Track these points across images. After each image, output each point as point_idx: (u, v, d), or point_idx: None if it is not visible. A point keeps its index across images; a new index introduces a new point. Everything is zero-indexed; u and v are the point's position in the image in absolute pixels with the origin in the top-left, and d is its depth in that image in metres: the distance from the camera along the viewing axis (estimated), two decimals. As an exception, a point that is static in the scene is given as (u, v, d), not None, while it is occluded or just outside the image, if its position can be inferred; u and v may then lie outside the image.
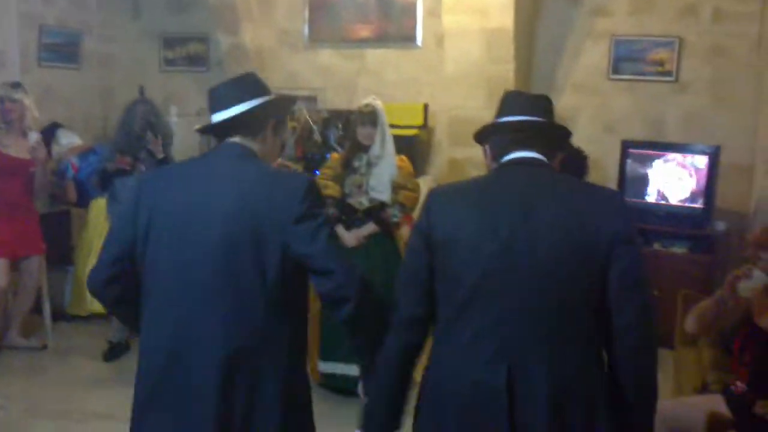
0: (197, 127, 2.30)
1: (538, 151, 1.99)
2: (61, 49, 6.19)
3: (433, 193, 2.09)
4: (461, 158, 5.93)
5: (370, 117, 4.22)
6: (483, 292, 1.85)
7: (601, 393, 1.86)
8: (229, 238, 1.96)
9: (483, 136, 2.14)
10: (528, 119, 2.01)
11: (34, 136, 4.70)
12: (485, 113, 5.77)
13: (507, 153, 2.01)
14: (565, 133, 2.12)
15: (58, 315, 5.17)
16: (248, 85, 2.17)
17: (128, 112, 4.87)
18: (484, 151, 2.15)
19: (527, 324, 1.82)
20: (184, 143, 5.72)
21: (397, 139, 4.61)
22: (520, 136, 2.01)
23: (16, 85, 4.71)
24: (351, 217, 4.29)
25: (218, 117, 2.12)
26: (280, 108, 2.27)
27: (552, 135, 2.08)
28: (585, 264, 1.82)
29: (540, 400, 1.80)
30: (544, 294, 1.82)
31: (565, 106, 5.95)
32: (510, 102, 2.08)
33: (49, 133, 5.28)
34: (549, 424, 1.79)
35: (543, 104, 2.09)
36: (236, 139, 2.12)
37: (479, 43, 5.61)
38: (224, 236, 1.96)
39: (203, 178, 2.08)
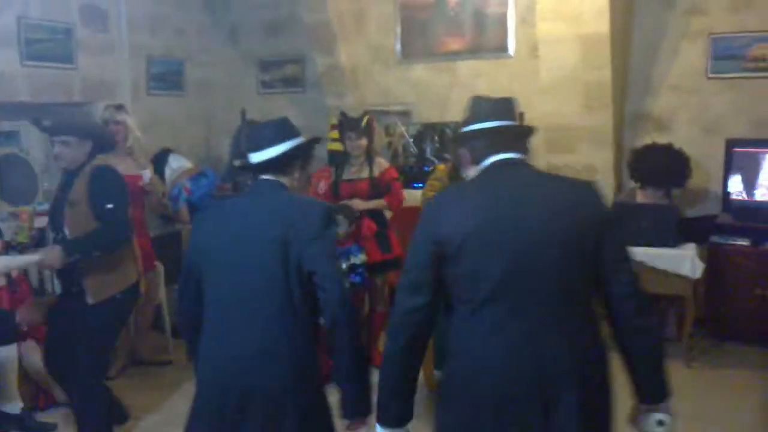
0: (236, 163, 2.56)
1: (517, 152, 2.17)
2: (167, 78, 6.51)
3: (436, 201, 2.28)
4: (559, 164, 5.94)
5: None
6: (502, 286, 2.00)
7: (608, 368, 2.09)
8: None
9: (460, 141, 2.31)
10: (503, 124, 2.19)
11: (148, 174, 4.94)
12: (583, 119, 5.80)
13: (488, 156, 2.17)
14: (530, 131, 2.31)
15: (175, 331, 5.41)
16: (282, 128, 2.54)
17: (235, 138, 5.06)
18: (460, 155, 2.32)
19: (545, 310, 2.00)
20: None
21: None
22: (499, 139, 2.17)
23: (120, 107, 5.00)
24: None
25: (257, 158, 2.50)
26: (307, 149, 2.62)
27: (523, 134, 2.26)
28: (583, 248, 2.02)
29: (566, 377, 1.98)
30: (555, 279, 2.00)
31: (662, 107, 5.90)
32: (481, 108, 2.23)
33: (161, 158, 5.53)
34: (578, 399, 1.98)
35: (510, 107, 2.25)
36: (269, 176, 2.49)
37: (575, 50, 5.62)
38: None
39: (250, 212, 2.49)
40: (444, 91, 6.48)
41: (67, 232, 3.39)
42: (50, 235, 3.53)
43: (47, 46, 5.38)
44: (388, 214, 5.03)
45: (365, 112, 5.00)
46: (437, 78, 6.52)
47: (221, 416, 2.34)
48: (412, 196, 5.27)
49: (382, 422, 2.17)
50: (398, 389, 2.15)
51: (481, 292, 2.02)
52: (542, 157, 6.08)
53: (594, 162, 5.86)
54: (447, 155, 4.66)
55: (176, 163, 5.76)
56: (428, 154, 6.11)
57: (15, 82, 5.18)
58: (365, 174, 4.86)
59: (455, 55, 6.45)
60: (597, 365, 2.07)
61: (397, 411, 2.16)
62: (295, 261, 2.32)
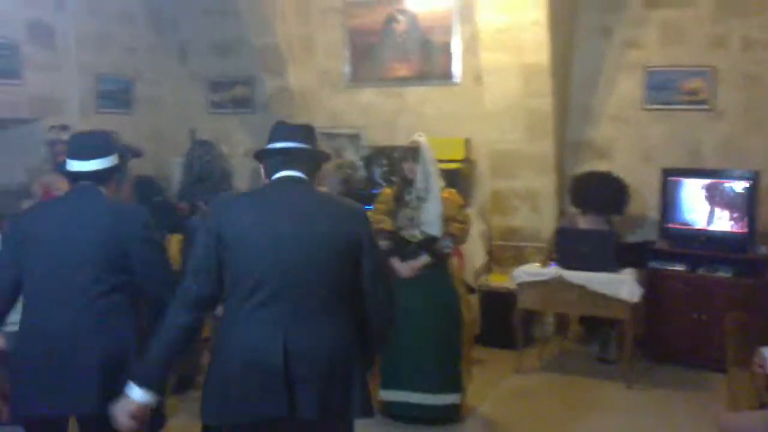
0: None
1: (299, 170, 2.49)
2: (116, 96, 6.48)
3: (220, 203, 2.67)
4: (504, 189, 6.11)
5: (412, 152, 4.42)
6: (266, 281, 2.33)
7: (357, 354, 2.43)
8: None
9: (259, 157, 2.60)
10: (290, 146, 2.51)
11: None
12: (525, 145, 5.99)
13: (276, 172, 2.50)
14: (321, 155, 2.68)
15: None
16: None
17: (187, 158, 5.06)
18: (262, 169, 2.61)
19: (302, 302, 2.34)
20: (235, 181, 5.93)
21: (441, 173, 4.79)
22: (286, 158, 2.50)
23: (64, 127, 5.03)
24: (405, 249, 4.45)
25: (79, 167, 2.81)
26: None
27: (311, 157, 2.57)
28: (342, 258, 2.40)
29: (312, 359, 2.31)
30: (314, 279, 2.36)
31: (602, 136, 6.13)
32: (277, 131, 2.57)
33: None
34: (319, 377, 2.31)
35: (303, 132, 2.58)
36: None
37: (517, 79, 5.80)
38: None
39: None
40: (392, 115, 6.61)
41: None
42: None
43: (-7, 62, 5.33)
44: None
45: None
46: (386, 102, 6.65)
47: None
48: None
49: (143, 384, 2.38)
50: (167, 361, 2.42)
51: (244, 285, 2.35)
52: (487, 181, 6.27)
53: (536, 187, 6.05)
54: (393, 178, 4.73)
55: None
56: (377, 177, 6.21)
57: (-41, 98, 5.12)
58: None
59: (403, 81, 6.59)
60: (339, 358, 2.37)
61: (160, 377, 2.42)
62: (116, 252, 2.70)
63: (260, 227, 2.38)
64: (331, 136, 6.79)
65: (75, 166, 2.81)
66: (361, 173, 6.35)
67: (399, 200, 4.50)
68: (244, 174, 6.88)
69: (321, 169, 2.65)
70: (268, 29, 6.45)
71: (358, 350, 2.44)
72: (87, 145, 2.85)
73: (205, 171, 4.94)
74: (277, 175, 2.49)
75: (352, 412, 2.40)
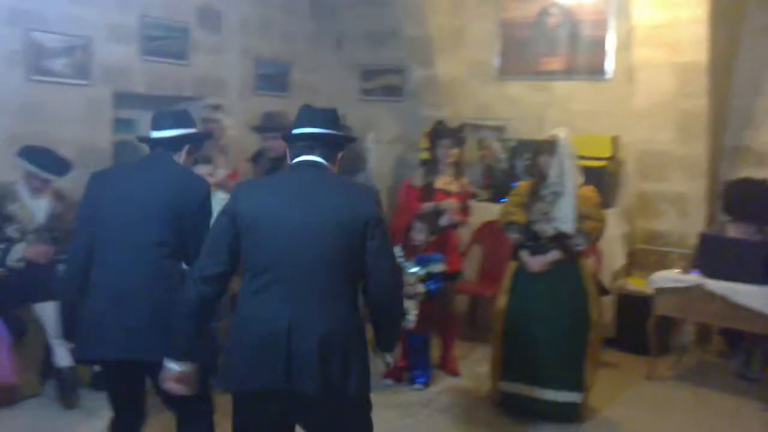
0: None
1: (318, 155, 2.62)
2: (273, 79, 6.82)
3: (240, 186, 2.72)
4: (651, 191, 5.91)
5: (548, 146, 4.37)
6: (279, 259, 2.48)
7: (357, 335, 2.54)
8: None
9: (287, 141, 2.74)
10: (310, 131, 2.64)
11: (222, 173, 5.20)
12: (676, 147, 5.75)
13: (298, 156, 2.65)
14: (343, 138, 2.77)
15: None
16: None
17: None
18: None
19: (308, 282, 2.47)
20: (380, 167, 6.14)
21: (585, 170, 4.69)
22: (306, 143, 2.64)
23: (216, 107, 5.38)
24: (536, 243, 4.42)
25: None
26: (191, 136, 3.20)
27: (331, 142, 2.68)
28: (349, 239, 2.49)
29: (313, 336, 2.43)
30: (320, 260, 2.47)
31: (764, 142, 5.76)
32: (301, 116, 2.71)
33: (259, 155, 5.82)
34: (318, 353, 2.43)
35: (328, 116, 2.70)
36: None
37: (671, 77, 5.60)
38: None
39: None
40: (540, 109, 6.52)
41: None
42: None
43: (164, 43, 5.76)
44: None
45: (462, 124, 5.11)
46: (534, 96, 6.57)
47: None
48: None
49: (173, 357, 2.61)
50: (190, 333, 2.59)
51: (259, 262, 2.50)
52: (633, 182, 6.06)
53: (686, 191, 5.79)
54: (534, 171, 4.69)
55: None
56: (518, 170, 6.16)
57: (133, 75, 5.58)
58: (455, 187, 5.01)
59: (553, 75, 6.48)
60: (340, 336, 2.49)
61: (186, 348, 2.60)
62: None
63: (272, 211, 2.51)
64: (476, 128, 6.83)
65: (152, 135, 3.13)
66: (504, 165, 6.33)
67: (534, 194, 4.46)
68: (389, 160, 7.07)
69: (343, 152, 2.77)
70: (421, 20, 6.55)
71: (357, 327, 2.56)
72: (163, 118, 3.14)
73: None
74: (297, 159, 2.65)
75: (349, 390, 2.49)
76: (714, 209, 5.78)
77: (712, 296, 4.83)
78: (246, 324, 2.51)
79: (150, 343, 2.80)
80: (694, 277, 4.93)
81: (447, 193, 4.98)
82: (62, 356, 4.32)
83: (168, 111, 3.29)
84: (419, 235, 4.75)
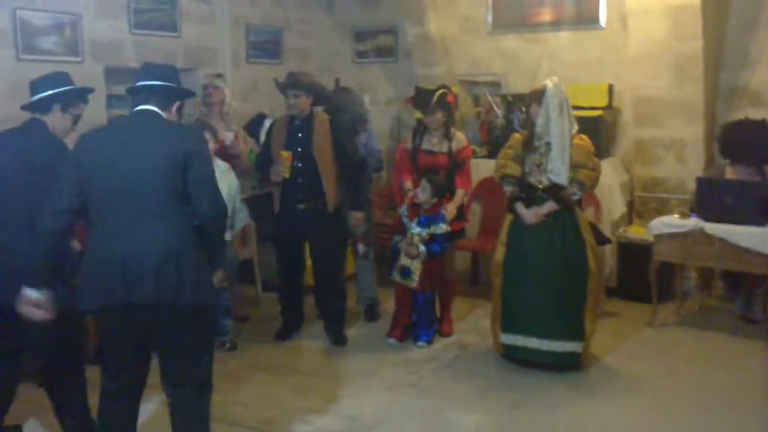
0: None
1: (153, 104, 3.00)
2: (265, 47, 6.80)
3: (83, 135, 3.05)
4: (648, 138, 5.87)
5: (537, 96, 4.35)
6: (109, 196, 2.85)
7: (190, 251, 2.88)
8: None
9: (130, 94, 3.12)
10: (146, 84, 3.03)
11: (230, 136, 5.30)
12: (673, 92, 5.70)
13: (136, 105, 3.03)
14: (174, 91, 3.10)
15: (268, 286, 5.79)
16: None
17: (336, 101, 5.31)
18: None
19: (138, 211, 2.83)
20: (378, 128, 6.15)
21: (582, 120, 4.69)
22: (144, 95, 3.03)
23: (219, 76, 5.47)
24: (531, 195, 4.43)
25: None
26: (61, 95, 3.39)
27: (165, 93, 3.05)
28: (170, 172, 2.83)
29: (146, 255, 2.79)
30: (148, 193, 2.83)
31: (760, 82, 5.71)
32: (141, 71, 3.12)
33: (257, 122, 5.83)
34: (152, 268, 2.78)
35: (161, 72, 3.12)
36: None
37: (665, 21, 5.52)
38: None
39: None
40: (534, 62, 6.48)
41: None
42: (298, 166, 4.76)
43: (154, 15, 5.75)
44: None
45: (440, 87, 5.09)
46: (527, 49, 6.52)
47: None
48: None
49: (31, 285, 2.91)
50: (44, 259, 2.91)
51: (96, 202, 2.87)
52: (630, 130, 6.03)
53: (684, 136, 5.75)
54: (527, 123, 4.68)
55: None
56: (515, 125, 6.13)
57: (124, 49, 5.57)
58: (444, 148, 4.99)
59: (546, 26, 6.42)
60: (168, 253, 2.81)
61: (44, 275, 2.92)
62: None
63: (106, 153, 2.87)
64: (471, 84, 6.80)
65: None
66: (500, 120, 6.30)
67: (528, 145, 4.46)
68: (386, 121, 7.06)
69: (176, 102, 3.11)
70: (411, -23, 6.49)
71: (190, 245, 2.88)
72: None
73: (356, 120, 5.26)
74: (136, 108, 3.03)
75: (183, 296, 2.81)
76: (712, 153, 5.74)
77: (711, 240, 4.84)
78: (90, 252, 2.90)
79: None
80: (693, 222, 4.92)
81: (432, 154, 4.97)
82: None
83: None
84: (423, 195, 4.76)
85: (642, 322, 5.22)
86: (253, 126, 5.85)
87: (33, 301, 2.88)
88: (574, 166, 4.32)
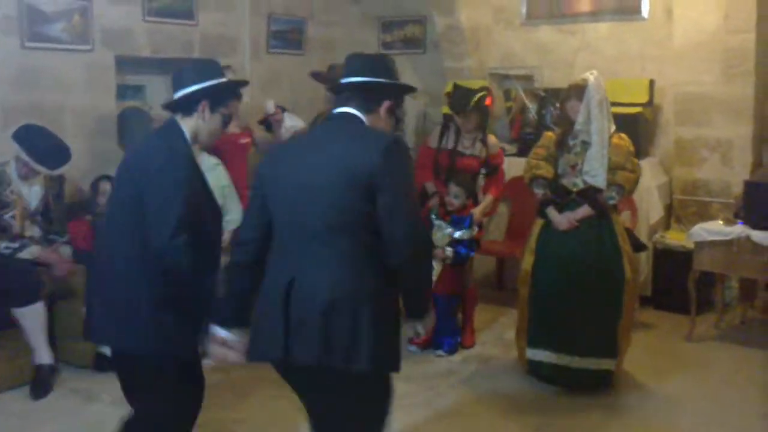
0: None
1: (353, 106, 2.40)
2: (287, 36, 6.51)
3: (272, 147, 2.65)
4: (690, 138, 5.51)
5: (577, 90, 4.02)
6: (284, 222, 2.36)
7: (373, 300, 2.25)
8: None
9: (336, 95, 2.58)
10: (350, 81, 2.44)
11: (271, 104, 5.18)
12: (720, 88, 5.33)
13: (336, 108, 2.47)
14: (386, 86, 2.45)
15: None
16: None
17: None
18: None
19: (310, 245, 2.29)
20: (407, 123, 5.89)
21: (619, 118, 4.35)
22: (345, 95, 2.45)
23: (226, 68, 5.02)
24: (564, 198, 4.10)
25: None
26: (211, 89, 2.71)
27: (369, 91, 2.44)
28: (354, 194, 2.24)
29: (316, 299, 2.22)
30: (322, 221, 2.26)
31: (814, 77, 5.30)
32: (346, 65, 2.51)
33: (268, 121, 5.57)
34: (321, 317, 2.21)
35: (367, 65, 2.47)
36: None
37: (715, 11, 5.16)
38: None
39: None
40: (570, 54, 6.11)
41: None
42: None
43: (168, 2, 5.49)
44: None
45: (481, 88, 4.79)
46: (563, 41, 6.15)
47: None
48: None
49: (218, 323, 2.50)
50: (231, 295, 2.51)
51: (275, 229, 2.40)
52: (671, 128, 5.66)
53: (729, 136, 5.36)
54: (561, 120, 4.34)
55: (290, 122, 5.76)
56: (548, 121, 5.79)
57: (137, 38, 5.34)
58: (477, 152, 4.74)
59: (583, 17, 6.05)
60: (343, 300, 2.23)
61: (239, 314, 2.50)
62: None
63: (282, 171, 2.39)
64: (503, 77, 6.46)
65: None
66: (533, 117, 5.96)
67: (562, 145, 4.13)
68: (411, 115, 6.74)
69: (388, 97, 2.46)
70: (440, -35, 6.16)
71: (371, 292, 2.26)
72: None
73: None
74: (334, 112, 2.47)
75: (357, 361, 2.20)
76: (761, 155, 5.35)
77: (758, 249, 4.47)
78: (260, 295, 2.43)
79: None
80: (738, 229, 4.57)
81: (464, 156, 4.69)
82: (42, 355, 4.11)
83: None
84: (457, 201, 4.52)
85: (679, 336, 4.87)
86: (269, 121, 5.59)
87: (222, 341, 2.48)
88: (612, 168, 3.98)
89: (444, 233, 4.49)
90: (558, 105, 5.58)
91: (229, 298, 2.49)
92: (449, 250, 4.46)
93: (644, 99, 5.59)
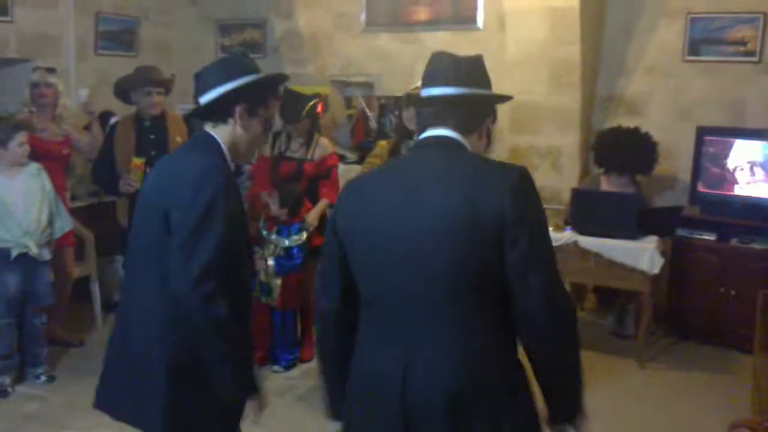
0: None
1: (451, 127, 1.84)
2: (118, 37, 6.17)
3: (348, 182, 2.01)
4: (524, 146, 5.64)
5: (413, 99, 3.99)
6: (381, 284, 1.80)
7: (507, 378, 1.78)
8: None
9: (415, 107, 2.06)
10: (446, 94, 1.84)
11: (84, 93, 4.82)
12: (549, 98, 5.48)
13: (425, 129, 1.89)
14: (491, 98, 1.94)
15: (108, 305, 5.14)
16: (220, 69, 2.20)
17: None
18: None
19: (423, 314, 1.74)
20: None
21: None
22: (436, 110, 1.86)
23: (51, 70, 4.76)
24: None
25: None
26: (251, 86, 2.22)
27: (471, 106, 1.88)
28: (476, 246, 1.71)
29: (438, 390, 1.72)
30: (436, 282, 1.72)
31: (636, 90, 5.57)
32: (432, 70, 1.89)
33: (101, 122, 5.22)
34: (445, 411, 1.71)
35: (467, 70, 1.88)
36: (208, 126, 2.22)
37: (543, 24, 5.30)
38: None
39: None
40: (410, 62, 6.12)
41: None
42: None
43: (-23, -4, 5.05)
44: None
45: (313, 96, 4.69)
46: (403, 49, 6.18)
47: None
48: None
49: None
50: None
51: (363, 292, 1.85)
52: (505, 136, 5.79)
53: (559, 144, 5.55)
54: (398, 128, 4.32)
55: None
56: (387, 128, 5.79)
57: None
58: (307, 155, 4.61)
59: (422, 26, 6.11)
60: (475, 385, 1.73)
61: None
62: None
63: (364, 212, 1.82)
64: (343, 84, 6.41)
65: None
66: (372, 124, 5.94)
67: (395, 153, 4.08)
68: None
69: (487, 119, 1.92)
70: (279, -32, 6.03)
71: (506, 370, 1.78)
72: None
73: None
74: (423, 135, 1.88)
75: None
76: (587, 162, 5.57)
77: (586, 253, 4.63)
78: (355, 378, 1.88)
79: None
80: (567, 235, 4.70)
81: (294, 161, 4.55)
82: None
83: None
84: (274, 206, 4.35)
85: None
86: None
87: None
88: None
89: (273, 245, 4.36)
90: (397, 113, 5.62)
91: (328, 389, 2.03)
92: (270, 261, 4.32)
93: (480, 107, 5.70)
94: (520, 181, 1.73)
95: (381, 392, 1.78)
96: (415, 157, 1.92)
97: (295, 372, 4.47)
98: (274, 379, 4.32)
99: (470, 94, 1.85)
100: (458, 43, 5.93)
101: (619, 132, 5.07)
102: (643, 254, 4.46)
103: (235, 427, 2.27)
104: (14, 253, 3.99)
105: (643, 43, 5.49)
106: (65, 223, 4.37)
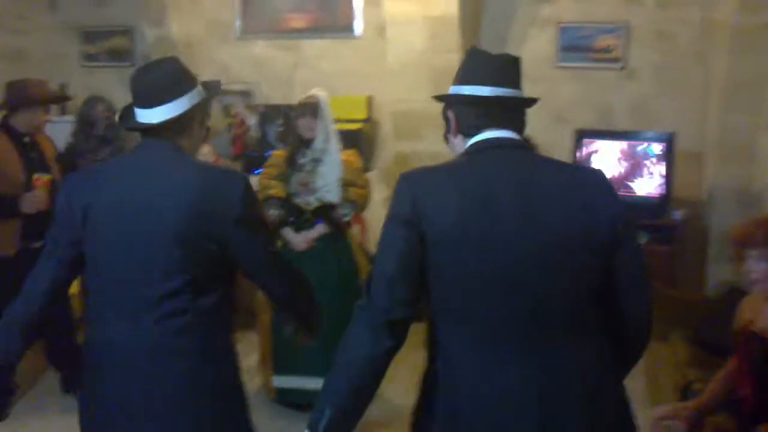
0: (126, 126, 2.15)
1: (513, 130, 1.80)
2: (-32, 44, 5.68)
3: (413, 180, 1.79)
4: (408, 152, 5.71)
5: (311, 108, 3.96)
6: (495, 289, 1.63)
7: (616, 385, 1.74)
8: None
9: (447, 104, 1.93)
10: (507, 95, 1.79)
11: None
12: (431, 105, 5.53)
13: (479, 130, 1.79)
14: (529, 104, 1.90)
15: None
16: (176, 78, 2.10)
17: (83, 113, 4.55)
18: (447, 117, 1.92)
19: (546, 320, 1.64)
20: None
21: (341, 134, 4.33)
22: (496, 111, 1.79)
23: None
24: (299, 218, 3.99)
25: (147, 117, 2.03)
26: (206, 101, 2.19)
27: (521, 108, 1.86)
28: (590, 251, 1.66)
29: (570, 403, 1.62)
30: (557, 288, 1.64)
31: (511, 96, 5.78)
32: (482, 67, 1.84)
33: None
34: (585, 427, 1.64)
35: (517, 71, 1.86)
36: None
37: (423, 32, 5.39)
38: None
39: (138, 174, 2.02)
40: (288, 70, 6.08)
41: None
42: None
43: None
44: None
45: None
46: (280, 57, 6.10)
47: None
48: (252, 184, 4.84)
49: None
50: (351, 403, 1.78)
51: (459, 306, 1.67)
52: (391, 143, 5.85)
53: (441, 150, 5.61)
54: (291, 138, 4.24)
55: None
56: (270, 138, 5.67)
57: None
58: None
59: (300, 33, 6.05)
60: (606, 399, 1.69)
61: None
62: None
63: (473, 219, 1.64)
64: (221, 94, 6.22)
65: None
66: (254, 134, 5.80)
67: (292, 163, 4.01)
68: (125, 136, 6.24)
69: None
70: (148, -29, 5.78)
71: (614, 378, 1.75)
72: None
73: (110, 130, 4.57)
74: (481, 136, 1.78)
75: None
76: (471, 167, 5.72)
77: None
78: (465, 408, 1.64)
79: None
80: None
81: None
82: None
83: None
84: None
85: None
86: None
87: None
88: (344, 185, 3.96)
89: None
90: (280, 121, 5.53)
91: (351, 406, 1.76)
92: None
93: (363, 115, 5.73)
94: (609, 180, 1.73)
95: (512, 421, 1.62)
96: (491, 159, 1.76)
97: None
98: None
99: (513, 96, 1.82)
100: (338, 51, 5.97)
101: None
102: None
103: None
104: None
105: (517, 51, 5.65)
106: None
